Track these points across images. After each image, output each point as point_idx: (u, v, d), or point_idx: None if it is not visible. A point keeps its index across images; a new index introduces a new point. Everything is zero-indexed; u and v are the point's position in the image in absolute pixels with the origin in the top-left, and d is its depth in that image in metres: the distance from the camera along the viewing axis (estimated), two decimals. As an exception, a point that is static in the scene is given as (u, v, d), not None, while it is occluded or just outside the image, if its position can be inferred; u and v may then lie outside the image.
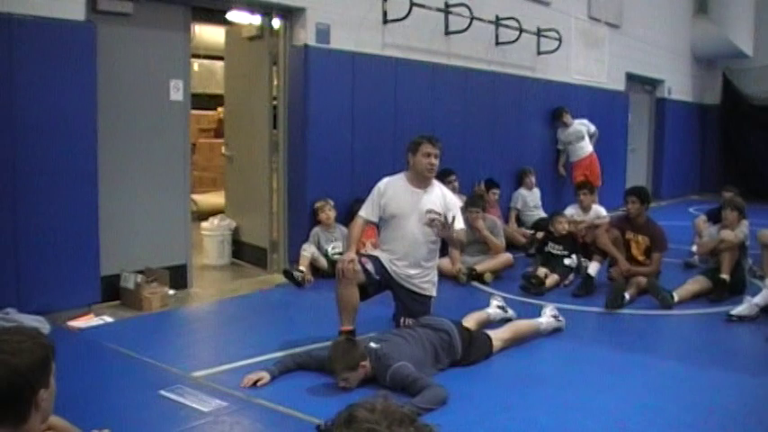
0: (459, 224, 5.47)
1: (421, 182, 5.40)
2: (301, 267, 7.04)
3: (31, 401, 2.25)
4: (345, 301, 5.10)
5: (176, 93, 6.59)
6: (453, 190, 8.65)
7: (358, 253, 5.32)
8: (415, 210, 5.32)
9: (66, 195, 5.68)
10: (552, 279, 7.13)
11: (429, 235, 5.35)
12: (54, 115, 5.56)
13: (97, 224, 5.92)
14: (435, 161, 5.37)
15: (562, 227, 7.63)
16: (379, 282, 5.29)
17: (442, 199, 5.42)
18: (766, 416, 4.15)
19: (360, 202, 5.72)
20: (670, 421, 4.00)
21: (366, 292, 5.23)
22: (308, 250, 7.19)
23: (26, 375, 2.23)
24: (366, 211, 5.45)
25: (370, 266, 5.25)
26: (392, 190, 5.41)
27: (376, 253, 5.49)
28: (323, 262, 7.25)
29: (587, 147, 11.05)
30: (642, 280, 6.73)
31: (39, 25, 5.42)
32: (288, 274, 6.97)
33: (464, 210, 6.77)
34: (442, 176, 8.08)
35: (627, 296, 6.53)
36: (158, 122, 6.52)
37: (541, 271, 7.16)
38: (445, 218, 5.19)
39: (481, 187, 9.27)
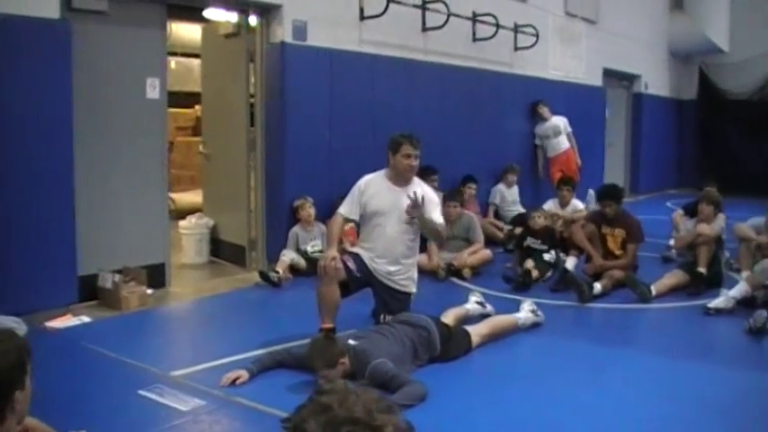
0: (439, 220, 5.48)
1: (401, 180, 5.43)
2: (278, 269, 7.02)
3: (7, 403, 2.23)
4: (327, 299, 5.10)
5: (153, 91, 6.54)
6: (434, 189, 8.72)
7: (339, 251, 5.31)
8: (395, 208, 5.34)
9: (43, 195, 5.64)
10: (533, 275, 7.12)
11: (409, 232, 5.39)
12: (29, 115, 5.52)
13: (74, 223, 5.88)
14: (415, 162, 5.41)
15: (539, 221, 7.65)
16: (359, 279, 5.30)
17: (422, 196, 5.42)
18: (743, 408, 4.19)
19: (342, 197, 5.72)
20: (648, 414, 4.03)
21: (347, 289, 5.24)
22: (288, 255, 7.20)
23: (1, 378, 2.20)
24: (345, 209, 5.46)
25: (351, 264, 5.26)
26: (373, 188, 5.43)
27: (356, 250, 5.50)
28: (302, 264, 7.24)
29: (564, 142, 11.05)
30: (616, 272, 6.76)
31: (13, 23, 5.37)
32: (264, 275, 6.96)
33: (443, 204, 6.77)
34: (424, 174, 8.11)
35: (599, 286, 6.56)
36: (135, 121, 6.47)
37: (530, 263, 7.17)
38: (415, 196, 5.18)
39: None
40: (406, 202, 5.30)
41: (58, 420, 3.04)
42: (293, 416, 1.48)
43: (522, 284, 6.86)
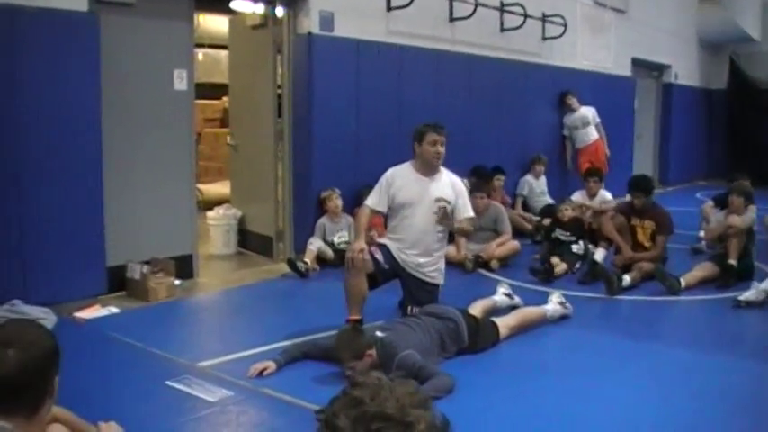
0: (468, 212, 5.48)
1: (428, 170, 5.40)
2: (306, 259, 7.02)
3: (46, 389, 2.25)
4: (354, 291, 5.10)
5: (180, 83, 6.56)
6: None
7: (367, 242, 5.30)
8: (423, 198, 5.33)
9: (71, 187, 5.69)
10: (561, 268, 7.09)
11: (437, 223, 5.36)
12: (58, 107, 5.56)
13: (102, 215, 5.93)
14: (442, 149, 5.36)
15: (567, 214, 7.60)
16: (387, 271, 5.29)
17: (451, 186, 5.44)
18: (773, 403, 4.14)
19: (369, 188, 5.72)
20: (677, 408, 3.99)
21: (375, 280, 5.23)
22: (315, 244, 7.20)
23: (43, 363, 2.23)
24: (373, 201, 5.45)
25: (379, 255, 5.25)
26: (400, 179, 5.41)
27: (384, 241, 5.49)
28: (330, 254, 7.24)
29: (593, 133, 10.95)
30: (645, 264, 6.69)
31: (41, 16, 5.41)
32: (291, 264, 6.96)
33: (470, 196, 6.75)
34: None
35: (628, 278, 6.51)
36: (163, 112, 6.49)
37: (554, 260, 7.14)
38: (445, 209, 5.23)
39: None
40: (434, 193, 5.33)
41: (86, 410, 3.01)
42: (326, 408, 1.44)
43: (544, 275, 6.82)
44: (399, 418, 1.36)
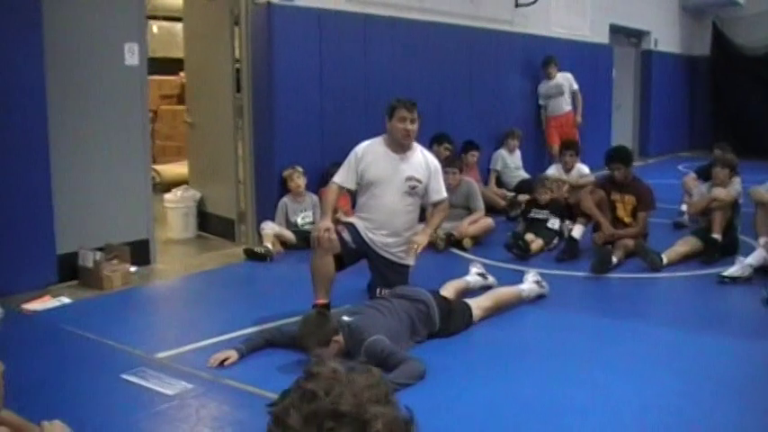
0: (441, 194, 5.34)
1: (399, 147, 5.21)
2: (266, 243, 6.84)
3: None
4: (321, 273, 4.92)
5: (131, 57, 6.30)
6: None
7: (334, 221, 5.11)
8: (393, 177, 5.15)
9: (16, 170, 5.49)
10: (537, 244, 6.96)
11: (408, 203, 5.20)
12: (-1, 86, 5.31)
13: (51, 200, 5.72)
14: (411, 126, 5.16)
15: (545, 198, 7.41)
16: (354, 250, 5.12)
17: (425, 165, 5.26)
18: (761, 382, 4.07)
19: (337, 165, 5.52)
20: (661, 390, 3.92)
21: (342, 262, 5.06)
22: (268, 226, 7.01)
23: None
24: (341, 178, 5.25)
25: (346, 235, 5.08)
26: (371, 155, 5.21)
27: (352, 220, 5.31)
28: (289, 236, 7.05)
29: (566, 104, 10.83)
30: (629, 242, 6.56)
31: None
32: (250, 252, 6.78)
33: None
34: (437, 141, 8.27)
35: (615, 260, 6.38)
36: (113, 89, 6.25)
37: (529, 236, 6.99)
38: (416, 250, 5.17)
39: None
40: (406, 172, 5.16)
41: (38, 407, 2.98)
42: (277, 402, 1.35)
43: (520, 251, 6.69)
44: (355, 416, 1.28)
